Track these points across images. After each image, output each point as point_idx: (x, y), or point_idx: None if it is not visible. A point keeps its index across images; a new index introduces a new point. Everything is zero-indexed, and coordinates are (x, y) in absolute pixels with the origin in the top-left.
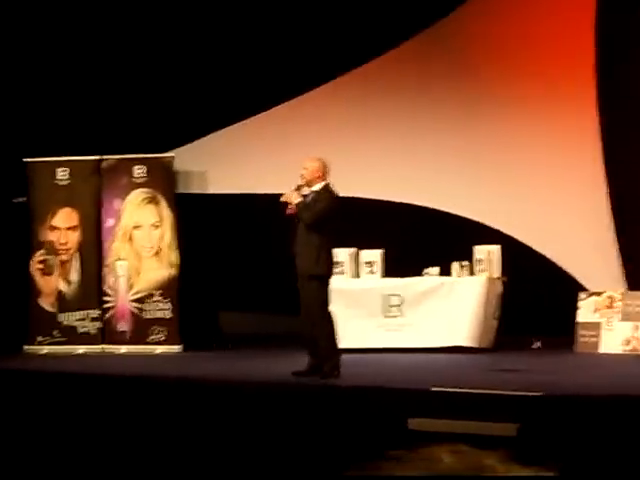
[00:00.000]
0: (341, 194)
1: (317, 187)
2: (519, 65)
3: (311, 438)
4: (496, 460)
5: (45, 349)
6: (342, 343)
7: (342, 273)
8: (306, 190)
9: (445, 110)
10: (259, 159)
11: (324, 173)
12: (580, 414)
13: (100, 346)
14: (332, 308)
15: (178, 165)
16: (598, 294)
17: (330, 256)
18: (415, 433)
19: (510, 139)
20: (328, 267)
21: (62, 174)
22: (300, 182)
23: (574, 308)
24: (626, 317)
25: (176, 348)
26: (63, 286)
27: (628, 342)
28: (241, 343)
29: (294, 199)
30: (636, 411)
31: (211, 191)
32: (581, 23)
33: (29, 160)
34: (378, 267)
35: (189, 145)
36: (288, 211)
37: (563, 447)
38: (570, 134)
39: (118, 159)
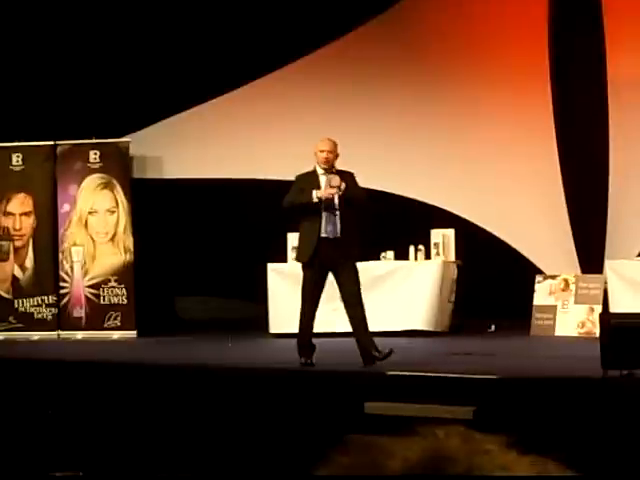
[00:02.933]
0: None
1: (334, 169)
2: (476, 51)
3: (267, 423)
4: (497, 445)
5: (1, 335)
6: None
7: None
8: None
9: (402, 95)
10: (214, 144)
11: None
12: (535, 396)
13: (56, 332)
14: (288, 293)
15: (134, 150)
16: (553, 277)
17: None
18: (373, 417)
19: (467, 124)
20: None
21: (16, 160)
22: (322, 165)
23: (530, 291)
24: (581, 300)
25: (132, 334)
26: (18, 272)
27: (583, 325)
28: (197, 328)
29: (340, 183)
30: (590, 393)
31: (167, 176)
32: (535, 8)
33: None
34: None
35: (145, 130)
36: (331, 195)
37: (521, 427)
38: (526, 119)
39: (73, 144)
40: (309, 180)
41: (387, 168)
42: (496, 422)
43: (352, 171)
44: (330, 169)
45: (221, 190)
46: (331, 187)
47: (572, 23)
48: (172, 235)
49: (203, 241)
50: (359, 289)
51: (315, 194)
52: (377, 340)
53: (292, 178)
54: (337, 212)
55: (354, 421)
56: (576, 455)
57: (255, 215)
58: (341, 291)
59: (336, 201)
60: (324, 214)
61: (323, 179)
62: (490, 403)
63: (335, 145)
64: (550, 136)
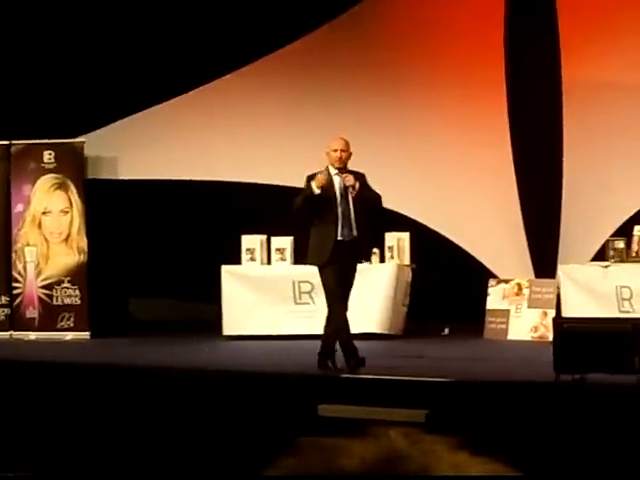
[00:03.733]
0: (253, 181)
1: (348, 167)
2: (431, 56)
3: (219, 425)
4: (446, 446)
5: None
6: (253, 329)
7: (253, 260)
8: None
9: (357, 99)
10: (169, 145)
11: None
12: (488, 400)
13: (8, 332)
14: (242, 295)
15: (88, 151)
16: (507, 281)
17: None
18: (326, 419)
19: (422, 129)
20: None
21: None
22: (336, 165)
23: (484, 295)
24: (534, 304)
25: (85, 334)
26: None
27: (536, 329)
28: (150, 330)
29: (355, 182)
30: (542, 396)
31: (121, 177)
32: (491, 14)
33: None
34: (288, 254)
35: (100, 130)
36: (353, 195)
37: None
38: (481, 124)
39: (27, 144)
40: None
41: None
42: (449, 425)
43: (362, 172)
44: (344, 168)
45: (175, 191)
46: (345, 188)
47: (527, 28)
48: (126, 236)
49: (157, 242)
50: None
51: (314, 186)
52: None
53: (247, 180)
54: (352, 214)
55: (307, 424)
56: (526, 457)
57: (209, 216)
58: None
59: (350, 202)
60: (340, 216)
61: (337, 179)
62: (443, 406)
63: (347, 144)
64: (505, 141)
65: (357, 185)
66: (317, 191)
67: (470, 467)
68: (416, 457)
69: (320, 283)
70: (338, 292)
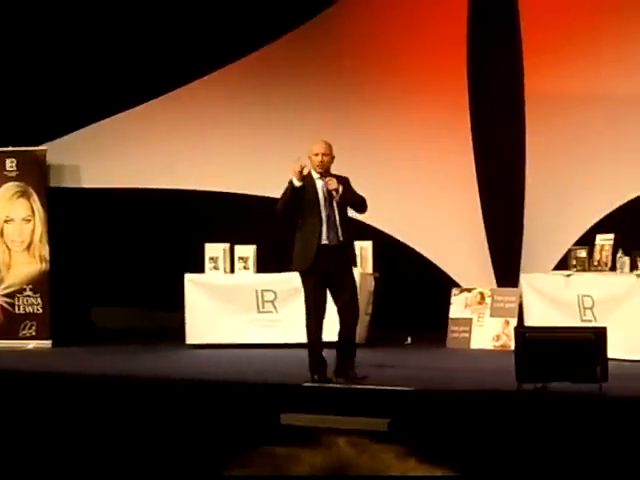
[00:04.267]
0: (217, 190)
1: (331, 171)
2: (393, 61)
3: (182, 434)
4: (393, 455)
5: None
6: (216, 338)
7: (216, 268)
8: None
9: (318, 107)
10: (132, 153)
11: None
12: (450, 409)
13: None
14: (205, 304)
15: (51, 158)
16: (469, 290)
17: None
18: (288, 428)
19: (383, 135)
20: None
21: None
22: (318, 169)
23: (447, 304)
24: (496, 313)
25: (47, 343)
26: None
27: (498, 338)
28: (113, 338)
29: (337, 186)
30: (504, 405)
31: (84, 185)
32: (454, 19)
33: None
34: (251, 262)
35: (62, 138)
36: (337, 199)
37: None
38: (443, 132)
39: None
40: (305, 184)
41: None
42: (411, 434)
43: (346, 176)
44: (326, 173)
45: (139, 200)
46: (328, 192)
47: (490, 37)
48: (89, 245)
49: (120, 251)
50: (356, 297)
51: (294, 179)
52: (293, 352)
53: (210, 188)
54: (337, 218)
55: (270, 432)
56: (483, 465)
57: (172, 225)
58: (337, 298)
59: (335, 207)
60: (325, 221)
61: (319, 183)
62: (406, 415)
63: (330, 147)
64: (467, 150)
65: (340, 189)
66: (297, 183)
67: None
68: (365, 466)
69: (282, 291)
70: (317, 303)
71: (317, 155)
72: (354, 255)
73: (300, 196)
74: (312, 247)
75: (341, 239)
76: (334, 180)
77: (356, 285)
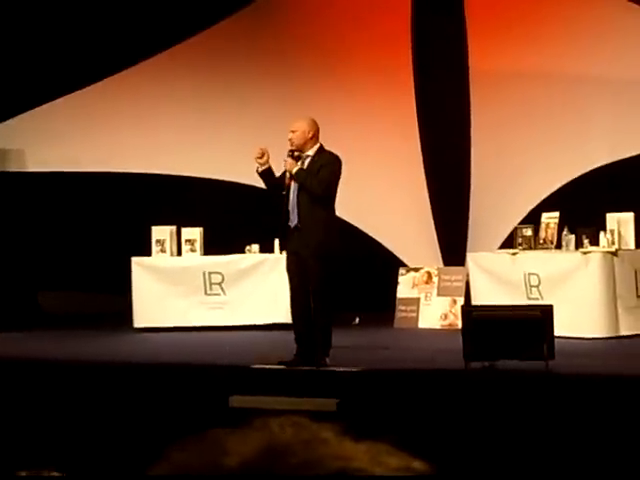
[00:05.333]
0: (162, 172)
1: (312, 150)
2: (337, 41)
3: (129, 418)
4: (332, 433)
5: None
6: (163, 321)
7: (163, 251)
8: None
9: (263, 89)
10: (78, 137)
11: (316, 133)
12: (399, 388)
13: None
14: (152, 287)
15: None
16: (416, 270)
17: (339, 230)
18: (237, 410)
19: (328, 116)
20: (339, 243)
21: None
22: (290, 146)
23: (394, 284)
24: (443, 292)
25: None
26: None
27: (445, 317)
28: (60, 323)
29: (292, 168)
30: (451, 384)
31: (29, 169)
32: (399, 7)
33: None
34: (198, 245)
35: (6, 122)
36: (287, 181)
37: (386, 420)
38: (388, 112)
39: None
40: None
41: (250, 162)
42: (360, 414)
43: (336, 154)
44: (299, 150)
45: (85, 183)
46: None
47: (433, 15)
48: (35, 229)
49: (67, 235)
50: (319, 283)
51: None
52: (241, 334)
53: (156, 171)
54: (295, 201)
55: (219, 415)
56: (431, 442)
57: (119, 208)
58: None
59: (292, 189)
60: (289, 201)
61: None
62: (355, 395)
63: (303, 124)
64: (413, 130)
65: (294, 170)
66: (259, 169)
67: (355, 454)
68: (300, 448)
69: (230, 274)
70: (292, 283)
71: (289, 133)
72: (314, 240)
73: (264, 177)
74: (281, 227)
75: (296, 222)
76: (289, 161)
77: (320, 271)
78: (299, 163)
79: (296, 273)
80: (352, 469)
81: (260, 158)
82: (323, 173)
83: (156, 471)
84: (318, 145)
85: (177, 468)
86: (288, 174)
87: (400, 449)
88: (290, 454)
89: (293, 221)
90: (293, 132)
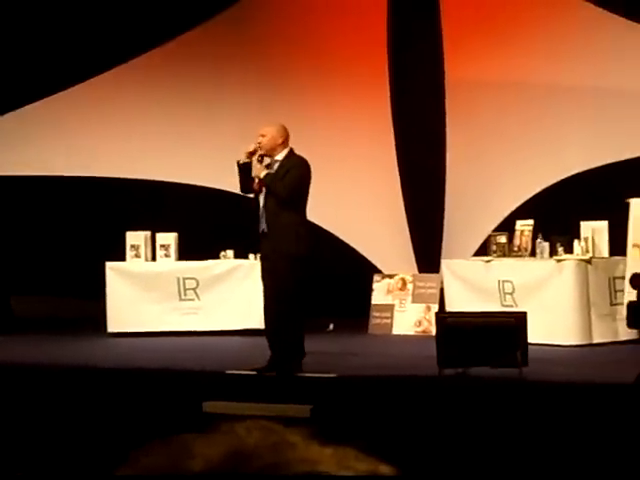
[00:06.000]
0: (137, 177)
1: (281, 155)
2: (314, 46)
3: (102, 423)
4: (300, 437)
5: None
6: (137, 326)
7: (137, 256)
8: (267, 160)
9: (240, 93)
10: (52, 141)
11: (286, 138)
12: (373, 394)
13: None
14: (127, 292)
15: None
16: (391, 276)
17: (309, 234)
18: (210, 416)
19: (304, 121)
20: (308, 247)
21: None
22: (260, 152)
23: (369, 290)
24: (418, 299)
25: None
26: None
27: (419, 323)
28: (33, 327)
29: (259, 172)
30: (425, 390)
31: (2, 173)
32: (375, 11)
33: None
34: (173, 250)
35: None
36: (255, 186)
37: (359, 426)
38: (365, 119)
39: None
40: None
41: (226, 168)
42: (333, 420)
43: (304, 159)
44: (266, 155)
45: (58, 188)
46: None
47: (410, 23)
48: (8, 233)
49: (41, 239)
50: (287, 288)
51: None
52: (215, 340)
53: (131, 176)
54: (263, 206)
55: (192, 420)
56: (403, 449)
57: (93, 213)
58: None
59: (261, 195)
60: (260, 207)
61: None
62: (328, 401)
63: (273, 129)
64: (388, 137)
65: (262, 174)
66: (242, 160)
67: (322, 458)
68: (267, 452)
69: (204, 279)
70: (264, 288)
71: (258, 137)
72: (282, 246)
73: (241, 169)
74: (255, 233)
75: (266, 228)
76: (257, 166)
77: (288, 275)
78: (268, 168)
79: (268, 279)
80: (319, 473)
81: (252, 153)
82: (289, 177)
83: (122, 473)
84: (287, 149)
85: (142, 471)
86: (257, 179)
87: (368, 454)
88: (256, 457)
89: (262, 226)
90: (263, 136)
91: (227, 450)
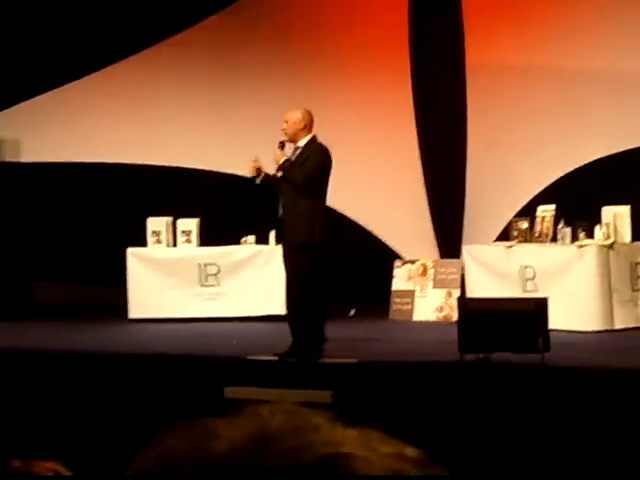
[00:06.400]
0: (159, 163)
1: (303, 141)
2: (335, 35)
3: (126, 409)
4: (324, 419)
5: None
6: (159, 312)
7: (159, 242)
8: (290, 147)
9: (261, 81)
10: (73, 127)
11: (309, 124)
12: (394, 380)
13: None
14: (148, 278)
15: None
16: (412, 262)
17: (324, 222)
18: (232, 401)
19: (325, 108)
20: (324, 235)
21: None
22: (283, 138)
23: (389, 276)
24: (439, 285)
25: None
26: None
27: (441, 309)
28: (55, 313)
29: (279, 159)
30: (446, 376)
31: (24, 159)
32: (397, 2)
33: None
34: (194, 236)
35: (2, 113)
36: (275, 173)
37: (381, 411)
38: (386, 104)
39: None
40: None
41: (244, 155)
42: (355, 405)
43: (324, 146)
44: (287, 141)
45: (80, 174)
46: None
47: (431, 10)
48: (30, 219)
49: (62, 226)
50: (302, 273)
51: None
52: (236, 325)
53: (152, 162)
54: (281, 192)
55: (213, 406)
56: (425, 434)
57: (115, 199)
58: None
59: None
60: (279, 193)
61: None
62: (350, 387)
63: (296, 114)
64: (410, 123)
65: (281, 160)
66: (257, 181)
67: (346, 440)
68: (290, 434)
69: (226, 265)
70: (286, 275)
71: (283, 123)
72: (293, 234)
73: (254, 184)
74: (276, 219)
75: (281, 213)
76: (278, 153)
77: (302, 261)
78: (289, 154)
79: (287, 264)
80: (342, 454)
81: (256, 175)
82: (307, 164)
83: (144, 457)
84: (310, 136)
85: (165, 453)
86: (276, 165)
87: (392, 436)
88: (280, 439)
89: (280, 212)
90: (286, 122)
91: (251, 432)
